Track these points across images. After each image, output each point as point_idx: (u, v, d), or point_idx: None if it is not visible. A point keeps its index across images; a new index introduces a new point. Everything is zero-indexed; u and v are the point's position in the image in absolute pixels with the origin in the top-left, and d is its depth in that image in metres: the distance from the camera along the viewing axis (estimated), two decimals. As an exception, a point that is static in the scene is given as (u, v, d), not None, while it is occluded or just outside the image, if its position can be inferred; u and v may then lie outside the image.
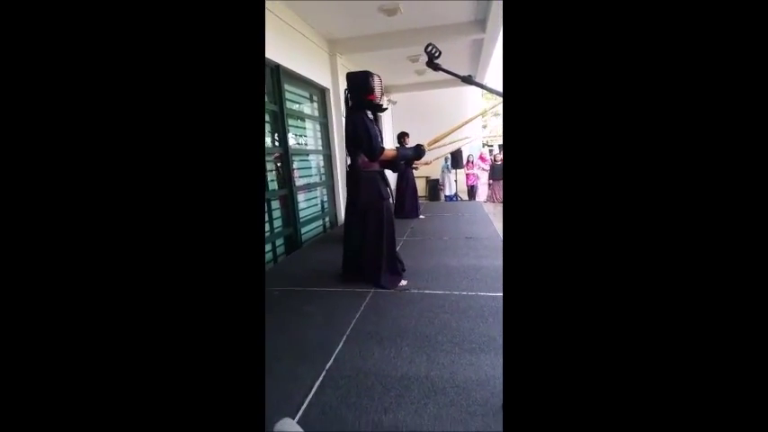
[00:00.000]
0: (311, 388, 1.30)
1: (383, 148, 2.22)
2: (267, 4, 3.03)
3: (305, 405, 1.21)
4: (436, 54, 1.10)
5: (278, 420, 1.04)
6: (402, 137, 4.46)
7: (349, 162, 2.32)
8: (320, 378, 1.35)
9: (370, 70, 2.21)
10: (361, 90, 2.19)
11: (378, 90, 2.19)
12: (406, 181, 4.57)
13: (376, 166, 2.26)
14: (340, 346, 1.58)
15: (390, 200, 2.36)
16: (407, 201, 4.58)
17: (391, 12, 3.68)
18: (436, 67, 1.11)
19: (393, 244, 2.35)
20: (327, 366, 1.42)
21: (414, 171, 4.68)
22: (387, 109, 2.36)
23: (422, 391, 1.25)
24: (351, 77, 2.23)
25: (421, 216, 4.60)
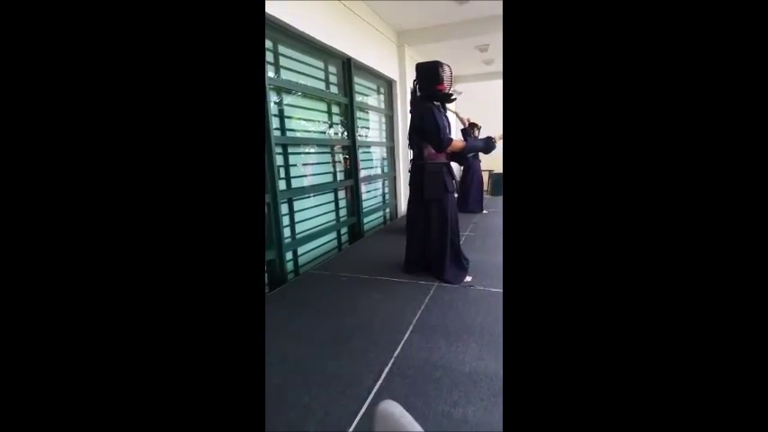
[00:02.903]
0: (380, 373, 1.35)
1: (451, 139, 2.19)
2: (341, -1, 3.10)
3: (375, 389, 1.26)
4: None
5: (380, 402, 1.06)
6: (471, 128, 4.36)
7: (412, 154, 2.32)
8: (389, 365, 1.40)
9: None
10: (430, 80, 2.18)
11: (447, 80, 2.16)
12: (471, 174, 4.47)
13: (442, 158, 2.24)
14: (407, 335, 1.61)
15: (456, 194, 2.33)
16: (471, 195, 4.48)
17: (462, 0, 3.59)
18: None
19: (457, 238, 2.33)
20: (395, 354, 1.47)
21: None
22: (455, 99, 2.32)
23: (491, 390, 1.24)
24: (420, 67, 2.22)
25: (485, 211, 4.49)
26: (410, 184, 2.37)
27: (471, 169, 4.45)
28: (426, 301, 1.96)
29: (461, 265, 2.30)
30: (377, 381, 1.31)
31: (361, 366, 1.40)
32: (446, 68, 2.16)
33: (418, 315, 1.80)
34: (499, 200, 5.97)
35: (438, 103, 2.23)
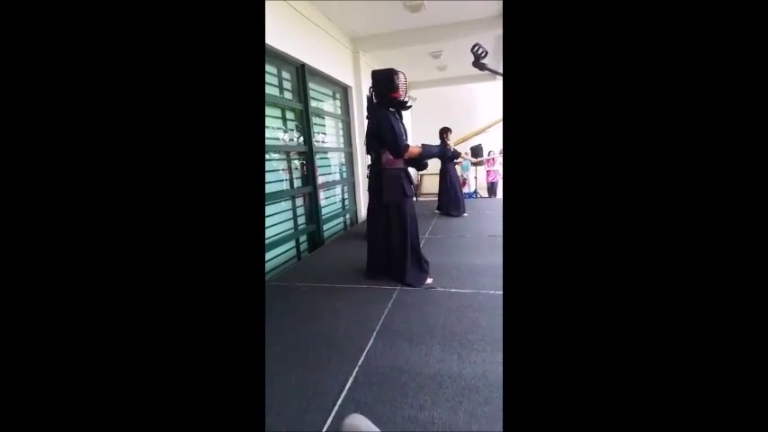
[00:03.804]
0: (345, 383, 1.32)
1: (408, 145, 2.23)
2: (292, 3, 3.06)
3: (340, 400, 1.24)
4: (483, 54, 1.09)
5: (347, 416, 1.02)
6: (444, 132, 4.43)
7: (370, 160, 2.33)
8: (353, 373, 1.37)
9: (394, 68, 2.22)
10: (385, 88, 2.20)
11: (402, 88, 2.20)
12: (449, 179, 4.52)
13: (400, 164, 2.27)
14: (370, 342, 1.59)
15: (414, 198, 2.36)
16: (450, 198, 4.52)
17: (415, 8, 3.67)
18: (483, 67, 1.10)
19: (417, 241, 2.36)
20: (360, 362, 1.44)
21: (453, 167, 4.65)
22: (411, 106, 2.36)
23: (455, 390, 1.25)
24: (375, 75, 2.24)
25: (465, 214, 4.52)
26: (369, 190, 2.37)
27: (448, 174, 4.51)
28: (389, 305, 1.96)
29: (422, 268, 2.33)
30: (341, 391, 1.28)
31: (325, 377, 1.36)
32: (401, 76, 2.19)
33: (381, 320, 1.79)
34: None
35: (394, 110, 2.25)
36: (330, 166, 4.27)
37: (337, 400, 1.23)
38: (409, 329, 1.68)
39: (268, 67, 3.01)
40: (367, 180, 2.40)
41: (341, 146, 4.53)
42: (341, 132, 4.55)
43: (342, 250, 3.26)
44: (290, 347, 1.59)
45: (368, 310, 1.92)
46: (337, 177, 4.42)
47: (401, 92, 2.20)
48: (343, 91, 4.56)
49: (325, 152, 4.15)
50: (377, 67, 2.28)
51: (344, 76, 4.33)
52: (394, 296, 2.07)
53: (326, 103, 4.23)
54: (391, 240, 2.27)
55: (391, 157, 2.23)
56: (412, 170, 2.45)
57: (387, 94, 2.20)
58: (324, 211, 3.93)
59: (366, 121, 2.34)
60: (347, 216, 4.68)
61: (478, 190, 7.73)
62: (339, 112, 4.52)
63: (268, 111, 3.03)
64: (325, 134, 4.14)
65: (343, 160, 4.60)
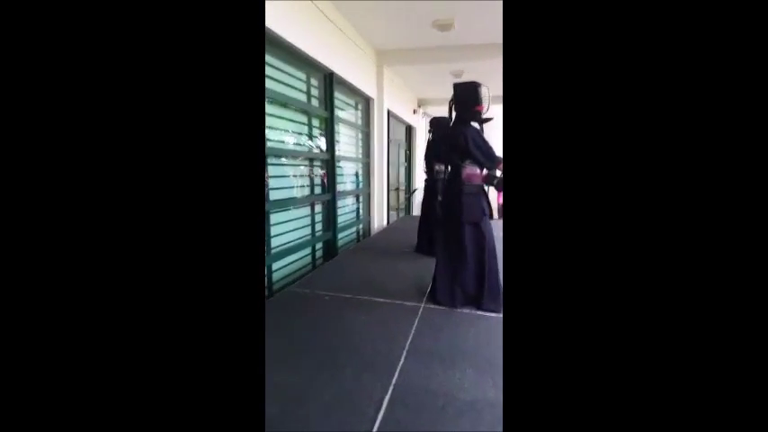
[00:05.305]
0: (381, 403, 1.29)
1: (500, 158, 2.14)
2: (324, 9, 3.09)
3: (378, 420, 1.20)
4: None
5: None
6: None
7: (447, 173, 2.26)
8: (389, 393, 1.34)
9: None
10: (469, 101, 2.15)
11: (486, 101, 2.15)
12: None
13: (477, 181, 2.17)
14: (402, 361, 1.56)
15: (490, 217, 2.24)
16: None
17: (444, 27, 3.71)
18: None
19: (495, 263, 2.17)
20: (394, 381, 1.41)
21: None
22: (492, 119, 2.26)
23: (495, 419, 1.22)
24: (459, 88, 2.19)
25: None
26: (441, 207, 2.27)
27: None
28: (416, 323, 1.92)
29: (500, 291, 2.15)
30: (379, 411, 1.25)
31: (359, 395, 1.32)
32: (484, 89, 2.13)
33: (410, 338, 1.76)
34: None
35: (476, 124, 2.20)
36: (346, 176, 4.26)
37: (376, 420, 1.20)
38: (440, 351, 1.65)
39: (297, 73, 3.03)
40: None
41: (359, 156, 4.53)
42: (360, 143, 4.56)
43: (358, 261, 3.22)
44: (319, 360, 1.55)
45: (395, 326, 1.88)
46: (353, 187, 4.42)
47: (484, 105, 2.15)
48: (365, 102, 4.58)
49: (344, 161, 4.15)
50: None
51: (368, 88, 4.36)
52: (419, 314, 2.04)
53: (348, 113, 4.25)
54: (467, 262, 2.14)
55: (471, 172, 2.15)
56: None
57: (471, 107, 2.14)
58: (340, 219, 3.91)
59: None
60: (360, 226, 4.66)
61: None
62: (360, 122, 4.54)
63: (295, 116, 3.04)
64: (345, 143, 4.14)
65: (360, 171, 4.60)
